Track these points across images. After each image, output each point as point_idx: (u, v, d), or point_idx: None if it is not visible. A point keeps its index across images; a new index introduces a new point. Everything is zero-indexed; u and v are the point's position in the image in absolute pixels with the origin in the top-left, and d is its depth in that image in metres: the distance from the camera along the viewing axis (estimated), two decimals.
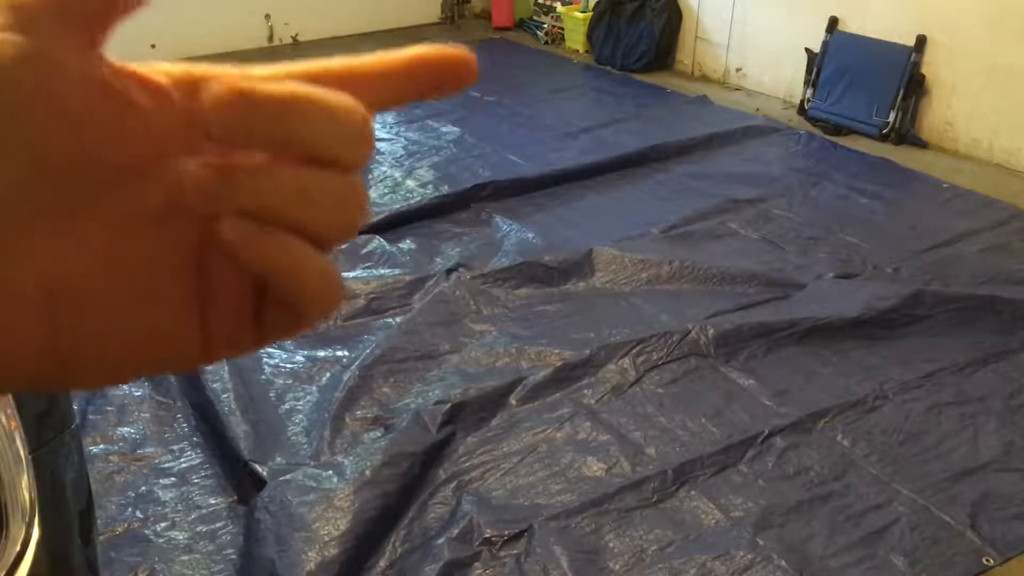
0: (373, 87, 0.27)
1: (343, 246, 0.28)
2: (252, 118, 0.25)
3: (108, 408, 2.61)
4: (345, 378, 2.67)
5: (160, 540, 2.17)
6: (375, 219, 3.66)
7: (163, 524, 2.22)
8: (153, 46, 5.42)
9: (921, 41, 4.54)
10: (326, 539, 2.06)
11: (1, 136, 0.23)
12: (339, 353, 2.87)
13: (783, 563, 2.07)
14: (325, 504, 2.14)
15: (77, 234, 0.25)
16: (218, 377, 2.64)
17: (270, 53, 6.44)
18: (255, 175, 0.25)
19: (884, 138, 4.66)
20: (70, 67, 0.25)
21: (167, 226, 0.27)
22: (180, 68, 0.27)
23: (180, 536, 2.19)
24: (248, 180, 0.25)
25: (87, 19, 0.25)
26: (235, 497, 2.31)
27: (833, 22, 4.94)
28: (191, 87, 0.27)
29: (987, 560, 2.10)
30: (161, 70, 0.27)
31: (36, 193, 0.24)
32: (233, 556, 2.13)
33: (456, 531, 2.13)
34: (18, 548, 1.06)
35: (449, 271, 3.27)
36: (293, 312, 0.27)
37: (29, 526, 1.09)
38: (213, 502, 2.30)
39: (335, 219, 0.27)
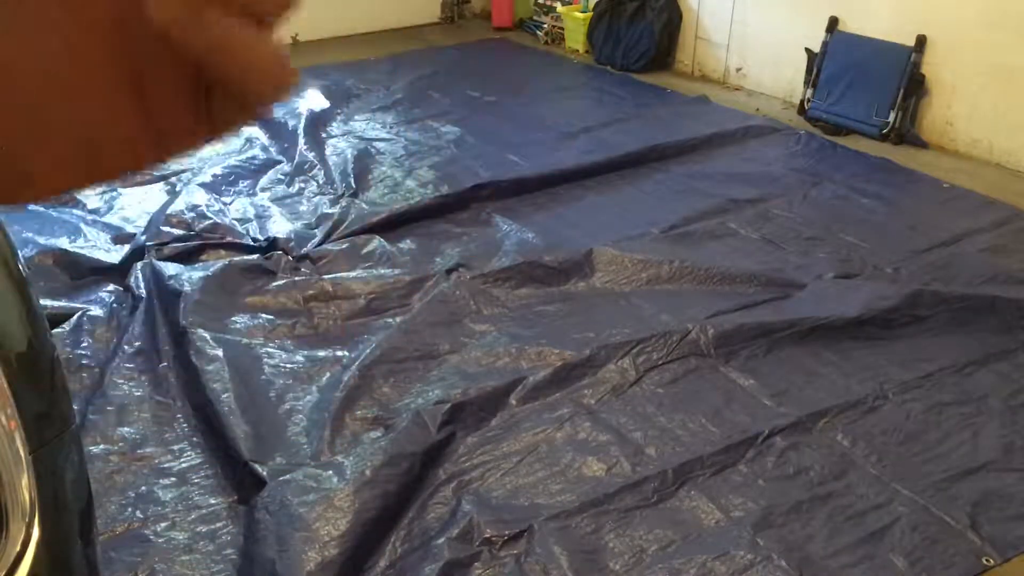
0: None
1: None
2: None
3: (108, 408, 2.61)
4: (345, 378, 2.67)
5: (160, 540, 2.17)
6: (375, 219, 3.66)
7: (163, 524, 2.22)
8: None
9: (921, 41, 4.54)
10: (326, 539, 2.06)
11: None
12: (339, 353, 2.87)
13: (783, 563, 2.07)
14: (325, 504, 2.14)
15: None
16: (218, 377, 2.64)
17: None
18: None
19: (884, 138, 4.66)
20: None
21: (85, 13, 0.25)
22: None
23: (180, 536, 2.19)
24: None
25: None
26: (235, 497, 2.31)
27: (833, 22, 4.94)
28: None
29: (987, 560, 2.10)
30: None
31: None
32: (233, 556, 2.13)
33: (456, 531, 2.13)
34: (18, 548, 1.06)
35: (449, 271, 3.27)
36: (241, 94, 0.27)
37: (29, 526, 1.09)
38: (213, 502, 2.30)
39: None
